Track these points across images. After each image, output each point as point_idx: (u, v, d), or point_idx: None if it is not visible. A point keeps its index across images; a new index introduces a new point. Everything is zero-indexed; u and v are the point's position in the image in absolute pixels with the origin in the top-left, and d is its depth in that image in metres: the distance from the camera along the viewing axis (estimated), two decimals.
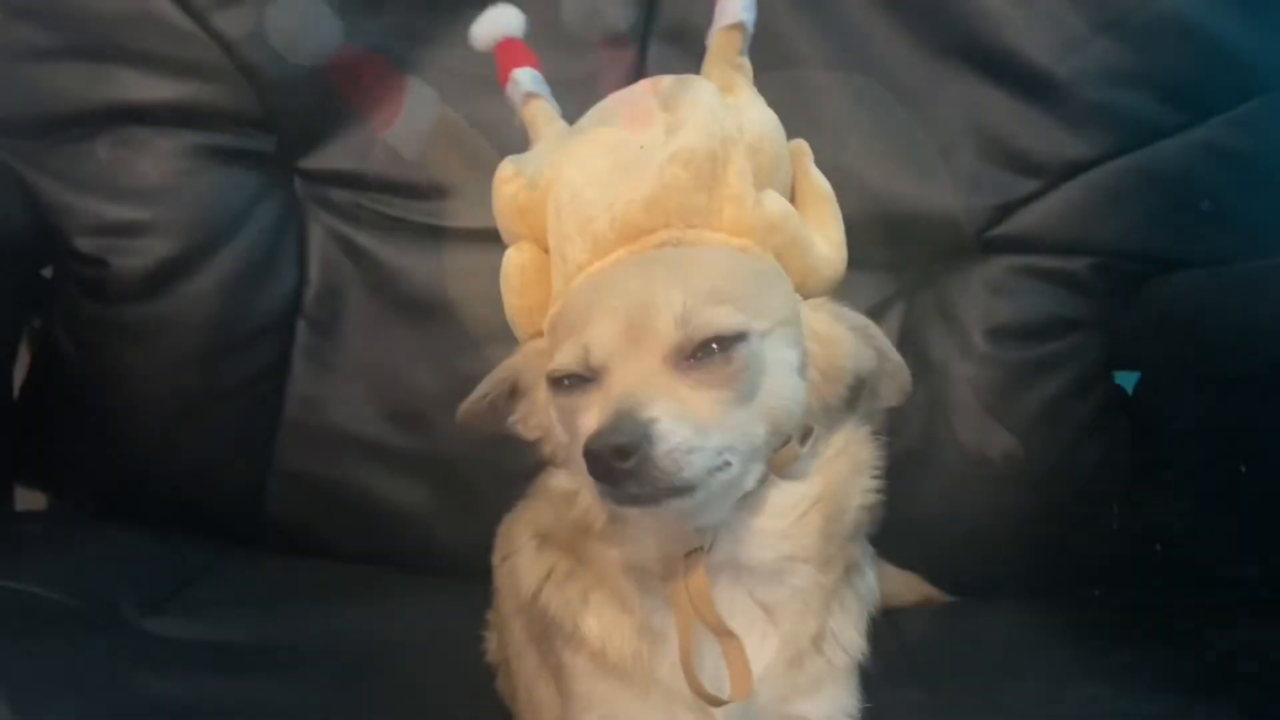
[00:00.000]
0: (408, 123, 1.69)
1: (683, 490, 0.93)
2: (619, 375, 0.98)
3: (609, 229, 1.04)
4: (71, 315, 1.67)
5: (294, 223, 1.72)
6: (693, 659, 1.02)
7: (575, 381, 1.00)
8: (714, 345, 0.97)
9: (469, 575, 1.34)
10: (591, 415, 0.97)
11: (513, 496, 1.24)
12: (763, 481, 1.03)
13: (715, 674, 1.04)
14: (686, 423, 0.94)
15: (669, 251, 1.04)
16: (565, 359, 1.00)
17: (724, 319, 0.97)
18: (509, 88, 1.20)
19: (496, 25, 1.22)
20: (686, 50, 1.69)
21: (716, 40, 1.14)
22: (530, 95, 1.18)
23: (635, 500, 0.93)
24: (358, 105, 1.69)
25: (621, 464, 0.91)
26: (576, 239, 1.06)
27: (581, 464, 0.93)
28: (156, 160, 1.65)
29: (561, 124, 1.17)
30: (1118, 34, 1.60)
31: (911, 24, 1.66)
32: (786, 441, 1.03)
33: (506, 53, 1.21)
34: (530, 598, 1.12)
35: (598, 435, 0.92)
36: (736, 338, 0.97)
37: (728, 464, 0.96)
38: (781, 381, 1.01)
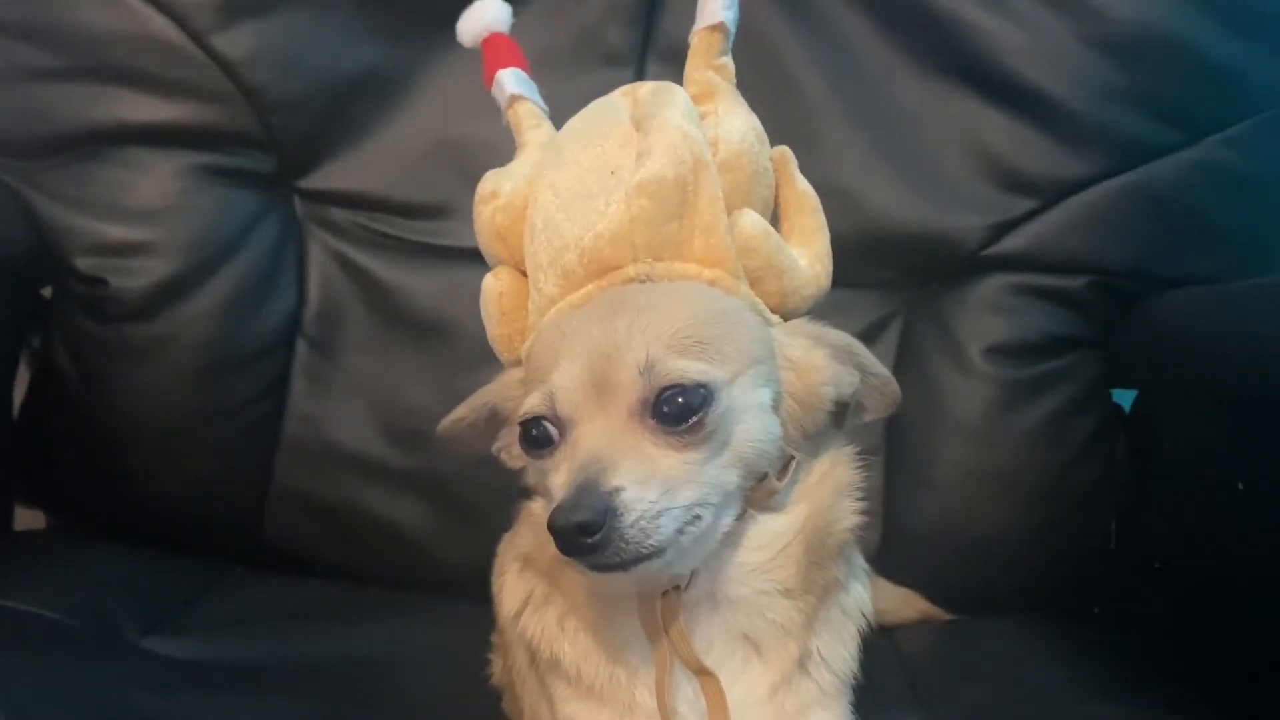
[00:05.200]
0: (407, 143, 1.70)
1: (651, 555, 0.92)
2: (585, 432, 0.96)
3: (578, 264, 1.03)
4: (71, 335, 1.67)
5: (293, 242, 1.72)
6: (667, 697, 1.02)
7: (544, 435, 0.99)
8: (679, 400, 0.95)
9: (468, 595, 1.34)
10: (561, 474, 0.96)
11: (512, 516, 1.24)
12: (740, 517, 1.01)
13: (696, 699, 1.03)
14: (653, 485, 0.93)
15: (636, 290, 1.01)
16: (533, 404, 0.99)
17: (686, 369, 0.95)
18: (493, 89, 1.18)
19: (480, 19, 1.20)
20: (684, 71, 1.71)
21: (697, 42, 1.11)
22: (515, 97, 1.16)
23: (603, 568, 0.93)
24: (358, 126, 1.70)
25: (587, 540, 0.90)
26: (549, 270, 1.04)
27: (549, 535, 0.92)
28: (156, 180, 1.66)
29: (546, 127, 1.14)
30: (1113, 54, 1.61)
31: (908, 44, 1.67)
32: (763, 478, 1.01)
33: (492, 49, 1.19)
34: (510, 620, 1.13)
35: (561, 511, 0.91)
36: (700, 392, 0.95)
37: (698, 518, 0.95)
38: (754, 425, 0.99)
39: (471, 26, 1.20)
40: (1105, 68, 1.61)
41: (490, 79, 1.18)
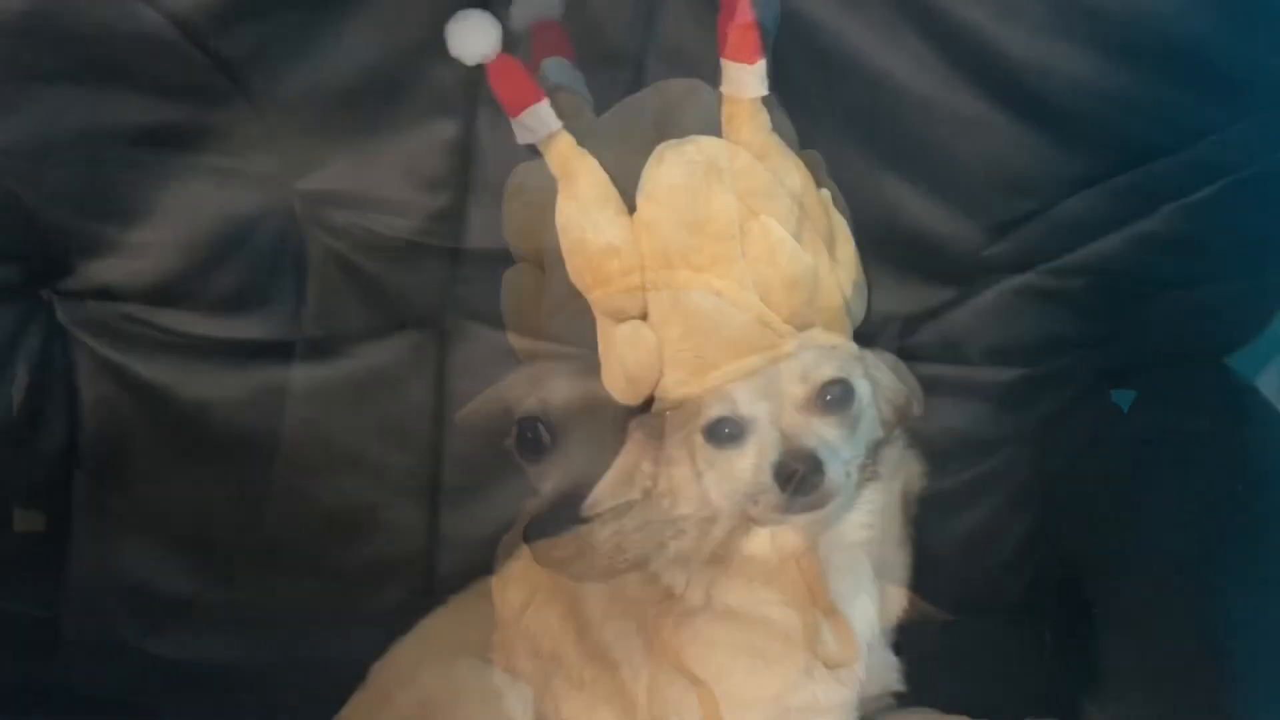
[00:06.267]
0: (409, 143, 1.70)
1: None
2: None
3: (587, 268, 1.08)
4: (70, 335, 1.67)
5: (293, 242, 1.72)
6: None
7: (538, 439, 1.12)
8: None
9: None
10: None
11: (513, 516, 1.25)
12: None
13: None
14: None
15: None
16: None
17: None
18: (537, 79, 1.18)
19: (532, 2, 1.22)
20: (684, 71, 1.70)
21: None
22: (557, 88, 1.17)
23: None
24: (358, 126, 1.69)
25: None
26: (562, 271, 1.07)
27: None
28: (156, 180, 1.66)
29: (586, 118, 1.15)
30: (1113, 54, 1.61)
31: (908, 44, 1.67)
32: None
33: (540, 37, 1.20)
34: (514, 617, 1.13)
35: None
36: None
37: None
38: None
39: (522, 11, 1.20)
40: (1105, 68, 1.61)
41: (536, 66, 1.18)
